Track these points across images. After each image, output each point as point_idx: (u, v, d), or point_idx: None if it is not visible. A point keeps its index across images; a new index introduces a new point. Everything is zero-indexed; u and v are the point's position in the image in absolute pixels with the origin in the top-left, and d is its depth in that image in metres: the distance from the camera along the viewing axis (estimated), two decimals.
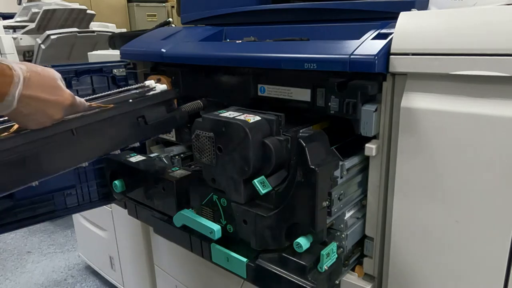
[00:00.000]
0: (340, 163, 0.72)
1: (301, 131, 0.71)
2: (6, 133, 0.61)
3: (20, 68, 0.55)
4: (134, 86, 0.85)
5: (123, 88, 0.84)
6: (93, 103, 0.72)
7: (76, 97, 0.65)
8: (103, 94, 0.79)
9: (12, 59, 2.38)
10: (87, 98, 0.72)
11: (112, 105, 0.74)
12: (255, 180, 0.69)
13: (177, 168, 0.90)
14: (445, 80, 0.63)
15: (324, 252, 0.69)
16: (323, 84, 0.76)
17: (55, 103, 0.60)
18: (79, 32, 2.45)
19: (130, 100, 0.78)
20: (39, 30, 2.58)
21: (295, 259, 0.69)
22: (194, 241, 0.83)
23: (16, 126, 0.61)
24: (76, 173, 1.04)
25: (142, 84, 0.88)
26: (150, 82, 0.89)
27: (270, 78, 0.88)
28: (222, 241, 0.78)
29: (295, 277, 0.67)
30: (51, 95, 0.59)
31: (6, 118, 0.64)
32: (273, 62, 0.80)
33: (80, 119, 0.67)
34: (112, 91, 0.82)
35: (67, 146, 0.64)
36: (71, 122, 0.65)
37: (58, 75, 0.62)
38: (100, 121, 0.70)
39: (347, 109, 0.73)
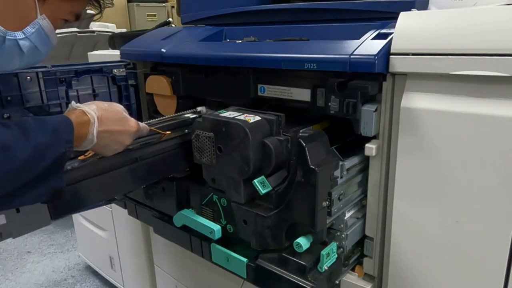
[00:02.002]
0: (340, 163, 0.72)
1: (301, 131, 0.71)
2: (83, 156, 0.69)
3: (92, 110, 0.65)
4: (188, 111, 0.96)
5: (178, 114, 0.95)
6: (152, 128, 0.80)
7: (139, 122, 0.74)
8: (160, 118, 0.89)
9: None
10: (147, 122, 0.81)
11: (169, 132, 0.82)
12: (255, 180, 0.69)
13: None
14: (445, 80, 0.63)
15: (324, 252, 0.69)
16: (323, 84, 0.76)
17: (125, 132, 0.69)
18: (79, 32, 2.45)
19: (186, 131, 0.85)
20: None
21: (295, 259, 0.69)
22: (194, 241, 0.83)
23: (91, 151, 0.70)
24: None
25: (194, 109, 0.97)
26: (201, 108, 0.97)
27: (270, 78, 0.88)
28: (222, 241, 0.78)
29: (295, 277, 0.67)
30: (120, 126, 0.68)
31: None
32: (273, 62, 0.80)
33: (142, 149, 0.76)
34: (168, 116, 0.92)
35: (132, 171, 0.74)
36: (135, 152, 0.75)
37: (122, 108, 0.71)
38: (159, 150, 0.79)
39: (347, 109, 0.73)
